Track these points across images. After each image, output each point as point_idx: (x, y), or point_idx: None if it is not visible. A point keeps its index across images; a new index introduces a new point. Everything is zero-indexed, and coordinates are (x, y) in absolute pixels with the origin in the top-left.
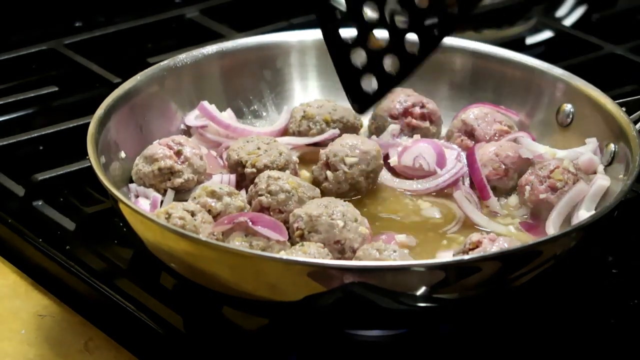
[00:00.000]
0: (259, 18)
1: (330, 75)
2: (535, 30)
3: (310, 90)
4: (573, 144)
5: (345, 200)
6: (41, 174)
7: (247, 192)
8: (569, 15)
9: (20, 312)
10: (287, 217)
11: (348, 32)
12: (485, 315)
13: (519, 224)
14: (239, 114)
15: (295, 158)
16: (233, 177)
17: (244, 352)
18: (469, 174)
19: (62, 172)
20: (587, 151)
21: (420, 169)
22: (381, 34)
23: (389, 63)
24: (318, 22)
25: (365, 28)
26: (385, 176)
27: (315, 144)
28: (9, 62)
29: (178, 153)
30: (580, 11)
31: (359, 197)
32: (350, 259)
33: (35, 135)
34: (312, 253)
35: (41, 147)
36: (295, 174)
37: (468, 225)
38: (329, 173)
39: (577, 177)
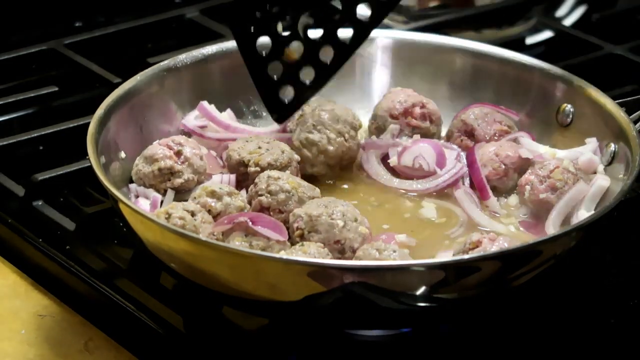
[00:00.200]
0: None
1: None
2: (535, 30)
3: None
4: (573, 143)
5: (345, 200)
6: (41, 174)
7: (247, 192)
8: (569, 15)
9: (20, 312)
10: (287, 217)
11: (264, 46)
12: (485, 315)
13: (519, 224)
14: (239, 114)
15: (296, 156)
16: (233, 177)
17: (244, 352)
18: (469, 174)
19: (62, 172)
20: (587, 151)
21: (420, 169)
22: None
23: (304, 74)
24: (233, 37)
25: (280, 43)
26: (385, 176)
27: None
28: (9, 62)
29: (178, 153)
30: (580, 11)
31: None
32: (350, 258)
33: (35, 135)
34: (312, 253)
35: (41, 147)
36: (297, 172)
37: (470, 226)
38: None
39: (577, 177)
